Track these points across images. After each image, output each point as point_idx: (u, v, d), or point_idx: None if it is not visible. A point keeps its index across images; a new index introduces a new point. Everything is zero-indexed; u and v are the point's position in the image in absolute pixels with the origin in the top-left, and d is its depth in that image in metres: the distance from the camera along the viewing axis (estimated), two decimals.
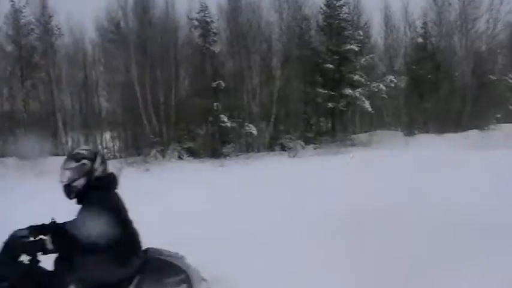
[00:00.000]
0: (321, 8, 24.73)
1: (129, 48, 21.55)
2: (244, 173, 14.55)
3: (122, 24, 23.17)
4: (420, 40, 26.55)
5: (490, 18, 27.57)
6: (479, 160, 11.43)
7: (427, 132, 23.10)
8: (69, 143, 23.37)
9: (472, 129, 23.02)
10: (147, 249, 2.82)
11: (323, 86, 22.47)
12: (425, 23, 26.89)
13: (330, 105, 22.00)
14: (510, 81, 25.29)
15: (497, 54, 28.16)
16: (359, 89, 22.47)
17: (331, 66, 22.66)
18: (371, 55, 24.60)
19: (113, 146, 24.62)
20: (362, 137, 23.02)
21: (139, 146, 22.96)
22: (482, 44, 27.93)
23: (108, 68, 23.94)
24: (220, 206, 7.39)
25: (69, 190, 2.65)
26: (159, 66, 22.16)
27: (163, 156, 20.69)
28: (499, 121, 24.42)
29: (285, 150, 20.65)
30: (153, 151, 20.81)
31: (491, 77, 24.96)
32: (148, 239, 2.88)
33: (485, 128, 23.37)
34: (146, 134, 21.96)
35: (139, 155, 21.65)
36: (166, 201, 8.11)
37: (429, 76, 24.83)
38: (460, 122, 23.60)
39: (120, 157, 22.28)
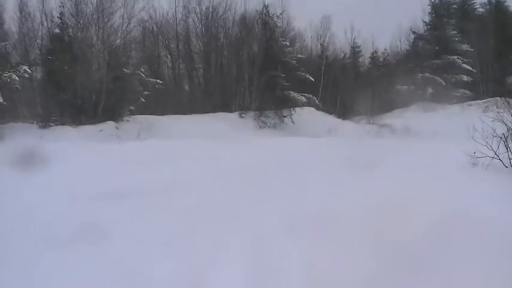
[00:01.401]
0: None
1: None
2: None
3: None
4: (57, 31, 27.02)
5: (125, 13, 30.16)
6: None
7: (63, 124, 23.81)
8: None
9: (107, 120, 24.95)
10: None
11: None
12: (62, 14, 27.20)
13: None
14: (142, 75, 28.07)
15: (131, 49, 31.00)
16: None
17: None
18: (3, 43, 23.95)
19: None
20: None
21: None
22: (118, 39, 30.37)
23: None
24: None
25: None
26: None
27: None
28: (133, 113, 26.94)
29: None
30: None
31: (125, 70, 27.24)
32: None
33: (120, 119, 25.67)
34: None
35: None
36: None
37: (66, 67, 25.18)
38: (96, 114, 25.14)
39: None
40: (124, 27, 30.20)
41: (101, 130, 23.37)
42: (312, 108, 33.13)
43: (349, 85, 42.46)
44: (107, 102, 25.56)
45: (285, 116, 30.60)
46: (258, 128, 28.79)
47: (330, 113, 35.26)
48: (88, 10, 29.06)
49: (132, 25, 30.56)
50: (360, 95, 43.25)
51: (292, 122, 30.19)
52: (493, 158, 8.67)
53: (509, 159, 8.82)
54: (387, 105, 42.72)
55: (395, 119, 36.96)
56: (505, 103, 9.63)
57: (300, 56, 35.22)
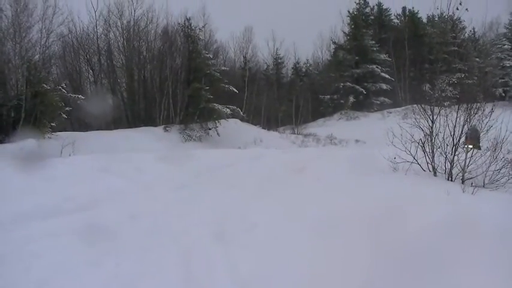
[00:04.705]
0: None
1: None
2: None
3: None
4: None
5: (43, 28, 30.12)
6: None
7: None
8: None
9: (28, 138, 24.85)
10: None
11: None
12: None
13: None
14: (64, 91, 28.20)
15: (51, 65, 31.00)
16: None
17: None
18: None
19: None
20: None
21: None
22: (37, 54, 30.25)
23: None
24: None
25: None
26: None
27: None
28: (54, 130, 26.92)
29: None
30: None
31: (45, 86, 27.19)
32: None
33: (42, 136, 25.61)
34: None
35: None
36: None
37: None
38: (16, 132, 24.99)
39: None
40: (43, 42, 30.21)
41: (21, 148, 23.32)
42: (237, 120, 34.30)
43: (273, 96, 44.31)
44: (27, 119, 25.47)
45: (210, 129, 31.50)
46: (184, 141, 29.48)
47: (255, 124, 36.67)
48: (3, 24, 28.89)
49: (51, 40, 30.64)
50: (284, 105, 45.23)
51: (218, 134, 31.12)
52: (412, 162, 9.45)
53: (427, 163, 9.63)
54: (311, 114, 44.90)
55: (319, 128, 38.85)
56: (422, 110, 10.14)
57: (223, 68, 36.48)
